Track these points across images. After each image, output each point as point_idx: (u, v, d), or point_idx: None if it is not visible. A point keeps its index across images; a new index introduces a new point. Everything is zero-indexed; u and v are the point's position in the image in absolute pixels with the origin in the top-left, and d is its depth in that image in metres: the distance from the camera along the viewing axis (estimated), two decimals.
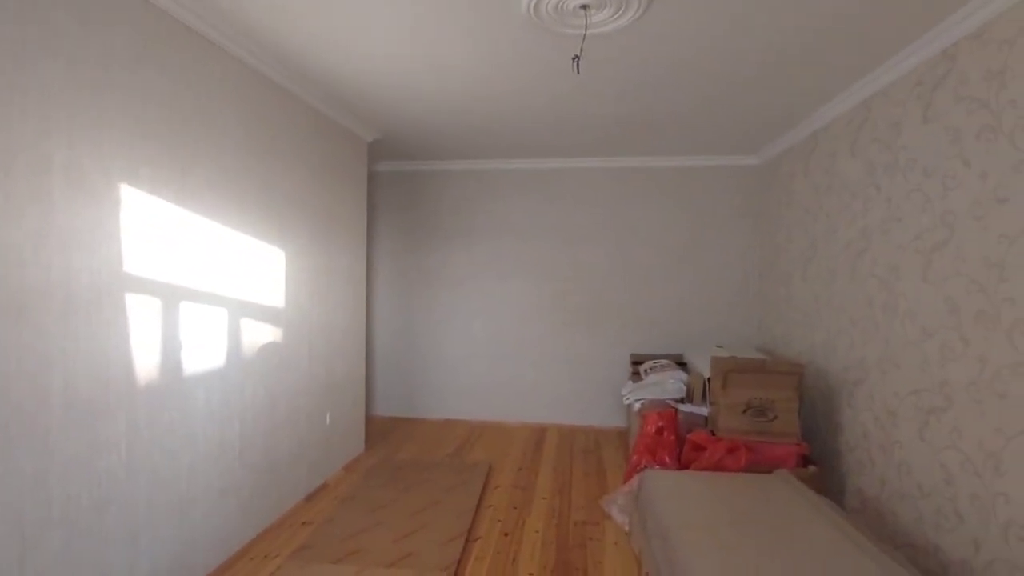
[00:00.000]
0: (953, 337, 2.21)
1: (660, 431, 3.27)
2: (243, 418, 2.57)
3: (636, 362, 4.30)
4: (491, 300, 4.78)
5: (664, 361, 4.04)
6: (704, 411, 3.40)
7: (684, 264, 4.56)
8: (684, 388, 3.51)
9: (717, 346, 4.12)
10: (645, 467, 3.11)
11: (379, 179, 4.93)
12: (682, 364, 4.15)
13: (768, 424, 3.04)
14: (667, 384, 3.54)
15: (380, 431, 4.53)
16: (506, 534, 2.78)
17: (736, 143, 4.14)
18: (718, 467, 2.92)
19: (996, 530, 1.96)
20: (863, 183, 2.89)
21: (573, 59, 2.23)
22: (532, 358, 4.73)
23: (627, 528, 2.82)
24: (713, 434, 3.17)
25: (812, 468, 2.94)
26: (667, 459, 3.14)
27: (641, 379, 4.01)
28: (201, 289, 2.28)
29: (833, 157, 3.23)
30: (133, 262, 1.92)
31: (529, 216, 4.74)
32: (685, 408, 3.42)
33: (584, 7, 2.06)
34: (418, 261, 4.87)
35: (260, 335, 2.70)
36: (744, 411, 3.06)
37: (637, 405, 3.47)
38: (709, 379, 3.37)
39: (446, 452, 4.04)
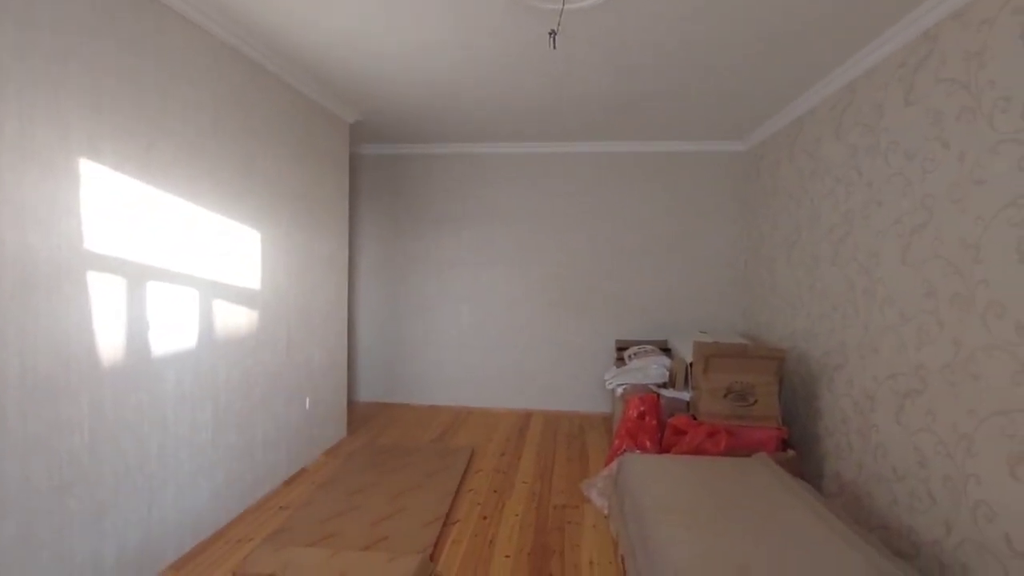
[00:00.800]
0: (930, 320, 2.20)
1: (642, 416, 3.27)
2: (216, 401, 2.53)
3: (621, 348, 4.30)
4: (478, 286, 4.75)
5: (648, 347, 4.03)
6: (686, 396, 3.40)
7: (671, 250, 4.54)
8: (667, 373, 3.51)
9: (701, 332, 4.12)
10: (626, 451, 3.11)
11: (363, 162, 4.86)
12: (666, 350, 4.15)
13: (748, 408, 3.04)
14: (650, 369, 3.53)
15: (363, 416, 4.51)
16: (485, 517, 2.77)
17: (722, 128, 4.11)
18: (698, 451, 2.92)
19: (966, 512, 1.97)
20: (846, 166, 2.87)
21: (550, 34, 2.18)
22: (518, 344, 4.72)
23: (606, 512, 2.82)
24: (694, 418, 3.17)
25: (791, 452, 2.95)
26: (648, 443, 3.14)
27: (625, 364, 4.00)
28: (171, 269, 2.23)
29: (818, 142, 3.21)
30: (95, 239, 1.86)
31: (517, 201, 4.69)
32: (667, 393, 3.41)
33: None
34: (404, 246, 4.82)
35: (235, 317, 2.65)
36: (725, 395, 3.06)
37: (620, 390, 3.46)
38: (691, 364, 3.36)
39: (429, 437, 4.02)
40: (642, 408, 3.27)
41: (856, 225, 2.77)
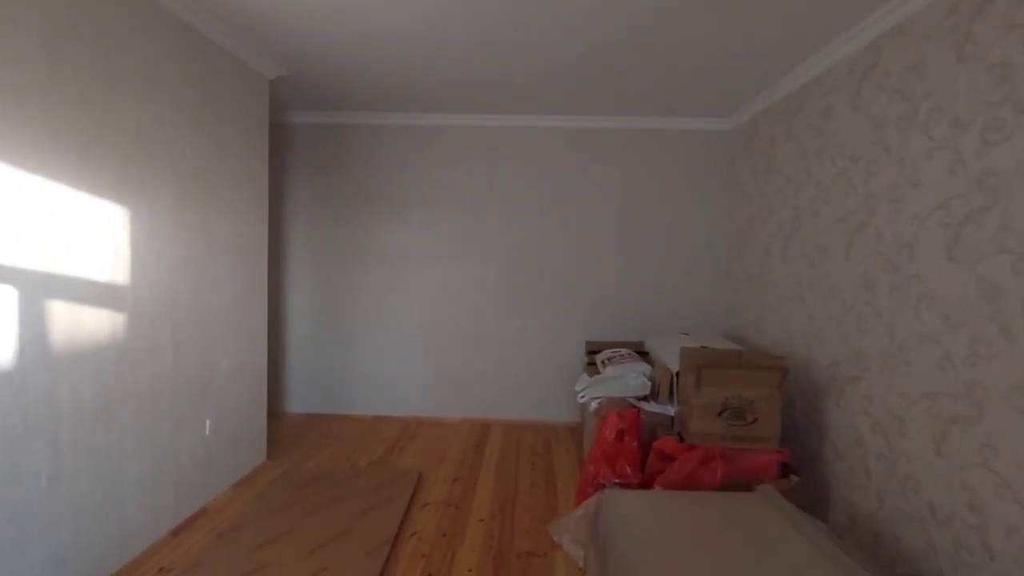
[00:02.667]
0: (990, 330, 1.75)
1: (620, 436, 2.74)
2: (55, 436, 1.84)
3: (592, 351, 3.77)
4: (428, 279, 4.12)
5: (623, 351, 3.52)
6: (671, 410, 2.91)
7: (646, 240, 4.04)
8: (648, 384, 2.99)
9: (683, 333, 3.64)
10: (602, 481, 2.58)
11: (293, 133, 4.13)
12: (643, 353, 3.65)
13: (747, 428, 2.56)
14: (628, 379, 3.02)
15: (292, 433, 3.82)
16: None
17: (705, 103, 3.62)
18: (690, 481, 2.41)
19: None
20: (868, 141, 2.41)
21: None
22: (475, 345, 4.13)
23: (581, 563, 2.29)
24: (682, 439, 2.68)
25: (794, 479, 2.49)
26: (628, 469, 2.61)
27: (598, 371, 3.48)
28: None
29: (827, 114, 2.74)
30: None
31: (473, 183, 4.08)
32: (650, 408, 2.91)
33: None
34: (342, 233, 4.13)
35: (86, 322, 1.95)
36: (720, 413, 2.57)
37: (594, 404, 2.93)
38: (678, 374, 2.86)
39: (369, 458, 3.39)
40: (621, 426, 2.75)
41: (880, 212, 2.31)
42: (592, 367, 3.63)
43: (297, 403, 4.22)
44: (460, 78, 3.26)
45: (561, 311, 4.08)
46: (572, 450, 3.60)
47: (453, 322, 4.12)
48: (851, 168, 2.53)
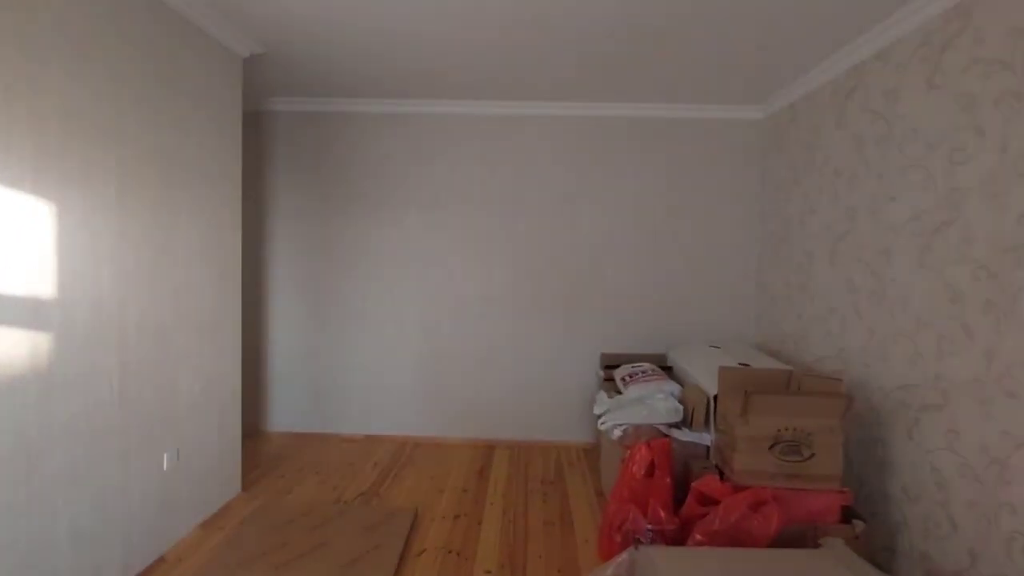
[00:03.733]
0: None
1: (650, 470, 2.35)
2: None
3: (609, 365, 3.37)
4: (425, 284, 3.72)
5: (645, 366, 3.12)
6: (707, 440, 2.51)
7: (669, 241, 3.64)
8: (680, 408, 2.59)
9: (712, 346, 3.24)
10: (631, 527, 2.19)
11: (275, 122, 3.72)
12: (666, 368, 3.26)
13: (802, 465, 2.17)
14: (656, 403, 2.62)
15: (274, 456, 3.42)
16: None
17: (737, 87, 3.22)
18: (738, 530, 2.02)
19: None
20: (953, 125, 2.01)
21: None
22: (477, 358, 3.73)
23: None
24: (723, 477, 2.29)
25: (859, 524, 2.10)
26: (662, 513, 2.22)
27: (616, 389, 3.08)
28: None
29: (893, 96, 2.34)
30: None
31: (477, 178, 3.67)
32: (682, 436, 2.51)
33: None
34: (330, 233, 3.73)
35: None
36: (771, 447, 2.18)
37: (617, 432, 2.53)
38: (715, 397, 2.47)
39: (359, 488, 3.00)
40: (651, 459, 2.36)
41: (970, 209, 1.92)
42: (610, 383, 3.24)
43: (281, 421, 3.81)
44: (462, 60, 2.85)
45: (573, 320, 3.68)
46: (588, 477, 3.21)
47: (453, 332, 3.72)
48: (928, 158, 2.13)
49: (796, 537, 2.04)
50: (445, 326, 3.72)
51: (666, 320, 3.64)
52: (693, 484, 2.22)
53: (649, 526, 2.18)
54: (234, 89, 2.72)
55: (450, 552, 2.38)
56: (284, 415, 3.81)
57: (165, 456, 2.28)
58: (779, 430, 2.18)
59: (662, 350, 3.58)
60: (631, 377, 3.00)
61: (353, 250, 3.73)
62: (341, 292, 3.75)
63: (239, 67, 2.76)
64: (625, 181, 3.63)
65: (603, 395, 3.03)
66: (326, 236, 3.74)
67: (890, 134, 2.35)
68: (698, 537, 2.05)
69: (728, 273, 3.63)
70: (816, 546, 1.92)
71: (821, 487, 2.17)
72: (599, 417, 2.81)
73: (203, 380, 2.50)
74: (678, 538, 2.16)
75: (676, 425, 2.57)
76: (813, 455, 2.17)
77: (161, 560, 2.25)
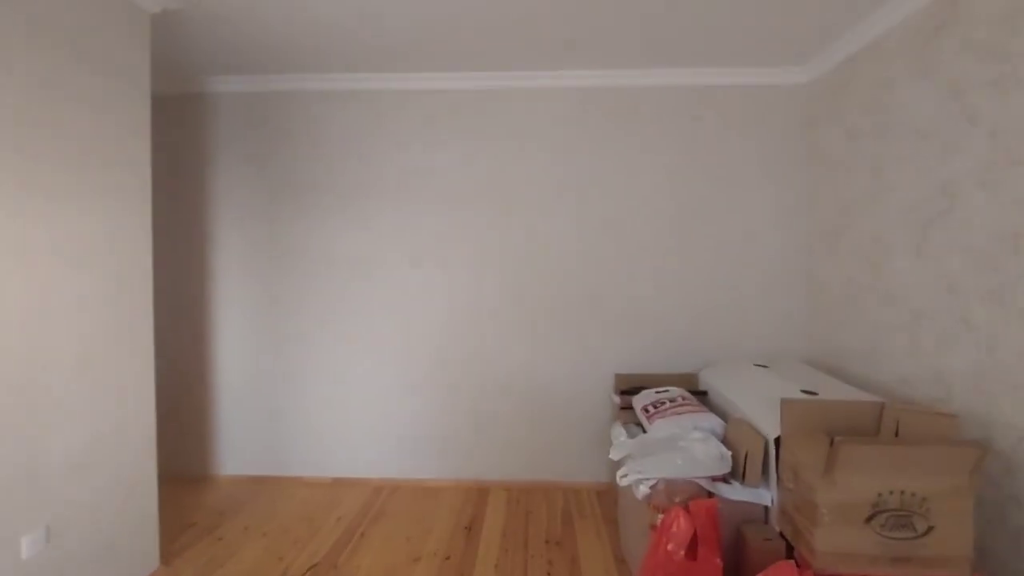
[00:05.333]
0: None
1: (692, 547, 1.70)
2: None
3: (627, 390, 2.72)
4: (402, 297, 3.09)
5: (673, 392, 2.47)
6: (767, 497, 1.85)
7: (696, 237, 2.99)
8: (725, 454, 1.93)
9: (757, 365, 2.58)
10: None
11: (217, 105, 3.13)
12: (697, 393, 2.60)
13: (916, 543, 1.51)
14: (693, 445, 1.96)
15: (218, 509, 2.80)
16: None
17: (775, 46, 2.59)
18: None
19: None
20: None
21: None
22: (467, 383, 3.08)
23: None
24: (795, 558, 1.63)
25: None
26: None
27: (638, 424, 2.43)
28: None
29: (1008, 23, 1.69)
30: None
31: (457, 168, 3.05)
32: (732, 494, 1.85)
33: None
34: (290, 240, 3.12)
35: None
36: (870, 518, 1.52)
37: (644, 488, 1.87)
38: (777, 441, 1.81)
39: (312, 558, 2.36)
40: (692, 531, 1.71)
41: None
42: (627, 413, 2.59)
43: (233, 463, 3.19)
44: (439, 13, 2.23)
45: (581, 335, 3.03)
46: (603, 532, 2.55)
47: (437, 353, 3.09)
48: None
49: None
50: (426, 346, 3.09)
51: (695, 333, 2.98)
52: (764, 575, 1.55)
53: None
54: (140, 51, 2.12)
55: None
56: (236, 456, 3.18)
57: (25, 540, 1.66)
58: (880, 494, 1.52)
59: (691, 369, 2.93)
60: (656, 407, 2.35)
61: (315, 258, 3.11)
62: (302, 308, 3.13)
63: (146, 24, 2.16)
64: (640, 166, 2.99)
65: (620, 430, 2.37)
66: (283, 242, 3.12)
67: (1007, 74, 1.70)
68: None
69: (769, 272, 2.97)
70: None
71: (943, 573, 1.50)
72: (618, 464, 2.14)
73: (89, 431, 1.88)
74: None
75: (723, 478, 1.90)
76: (931, 529, 1.50)
77: None
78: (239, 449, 3.18)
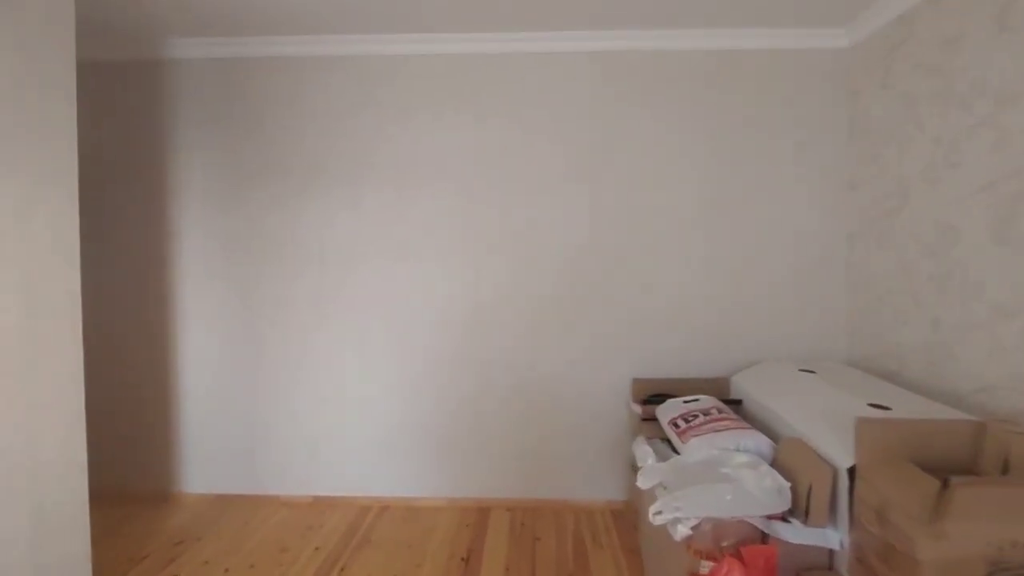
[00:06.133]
0: None
1: None
2: None
3: (650, 398, 2.37)
4: (393, 292, 2.72)
5: (705, 401, 2.13)
6: (835, 540, 1.51)
7: (721, 223, 2.64)
8: (783, 486, 1.58)
9: (803, 370, 2.23)
10: None
11: (180, 73, 2.74)
12: (732, 402, 2.26)
13: None
14: (741, 473, 1.61)
15: (178, 534, 2.44)
16: None
17: (815, 4, 2.24)
18: None
19: None
20: None
21: None
22: (465, 387, 2.73)
23: None
24: None
25: None
26: None
27: (664, 439, 2.09)
28: None
29: None
30: None
31: (457, 144, 2.68)
32: (792, 536, 1.50)
33: None
34: (262, 227, 2.74)
35: None
36: None
37: (685, 528, 1.52)
38: (851, 472, 1.47)
39: None
40: None
41: None
42: (651, 425, 2.24)
43: (200, 479, 2.82)
44: None
45: (593, 333, 2.68)
46: (624, 564, 2.21)
47: (432, 353, 2.73)
48: None
49: None
50: (420, 345, 2.73)
51: (722, 331, 2.63)
52: None
53: None
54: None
55: None
56: (204, 472, 2.82)
57: None
58: (1001, 548, 1.17)
59: (719, 373, 2.58)
60: (687, 421, 2.00)
61: (292, 248, 2.74)
62: (278, 304, 2.76)
63: None
64: (659, 143, 2.63)
65: (645, 448, 2.02)
66: (255, 230, 2.75)
67: None
68: None
69: (806, 262, 2.62)
70: None
71: None
72: (649, 496, 1.79)
73: None
74: None
75: (781, 516, 1.56)
76: None
77: None
78: (207, 464, 2.81)
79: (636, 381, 2.55)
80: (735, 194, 2.62)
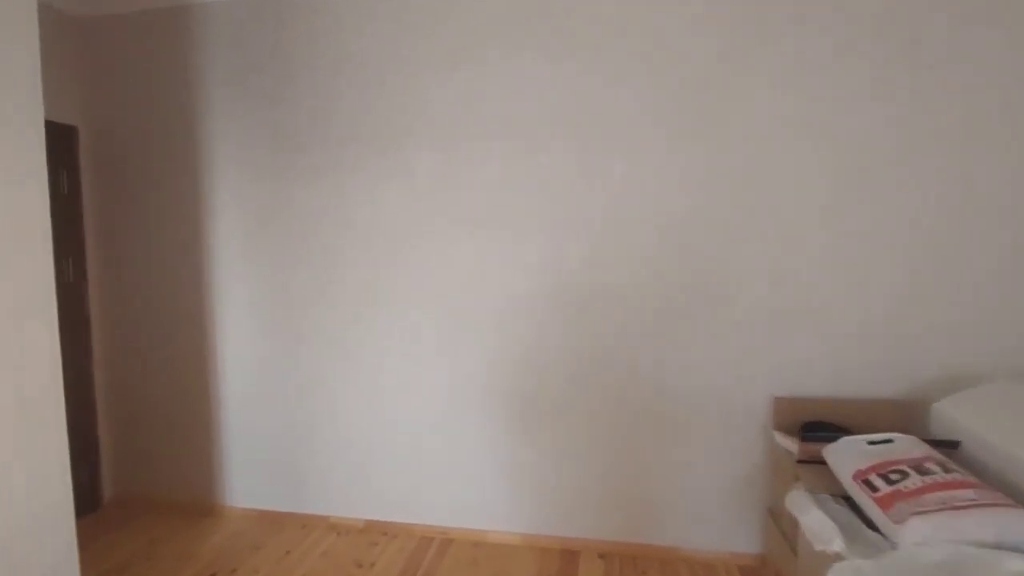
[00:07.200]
0: None
1: None
2: None
3: (805, 431, 1.69)
4: (455, 277, 2.19)
5: (903, 442, 1.43)
6: None
7: (898, 189, 1.84)
8: None
9: None
10: None
11: (209, 21, 2.30)
12: (940, 443, 1.53)
13: None
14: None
15: (213, 558, 2.08)
16: None
17: None
18: None
19: None
20: None
21: None
22: (545, 398, 2.16)
23: None
24: None
25: None
26: None
27: (844, 500, 1.42)
28: None
29: None
30: None
31: (527, 92, 2.06)
32: None
33: None
34: (307, 202, 2.29)
35: None
36: None
37: None
38: None
39: None
40: None
41: None
42: (816, 472, 1.57)
43: (244, 493, 2.48)
44: None
45: (710, 334, 2.00)
46: None
47: (505, 352, 2.17)
48: None
49: None
50: (490, 344, 2.18)
51: (904, 333, 1.87)
52: None
53: None
54: None
55: None
56: (245, 484, 2.47)
57: None
58: None
59: (901, 392, 1.84)
60: (891, 481, 1.31)
61: (336, 228, 2.27)
62: (323, 295, 2.31)
63: None
64: (810, 78, 1.87)
65: (816, 514, 1.36)
66: (294, 208, 2.30)
67: None
68: None
69: (1018, 239, 1.80)
70: None
71: None
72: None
73: None
74: None
75: None
76: None
77: None
78: (248, 476, 2.46)
79: (779, 401, 1.87)
80: (916, 156, 1.81)
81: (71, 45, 2.38)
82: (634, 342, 2.05)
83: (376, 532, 2.31)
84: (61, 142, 2.35)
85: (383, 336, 2.27)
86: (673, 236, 1.99)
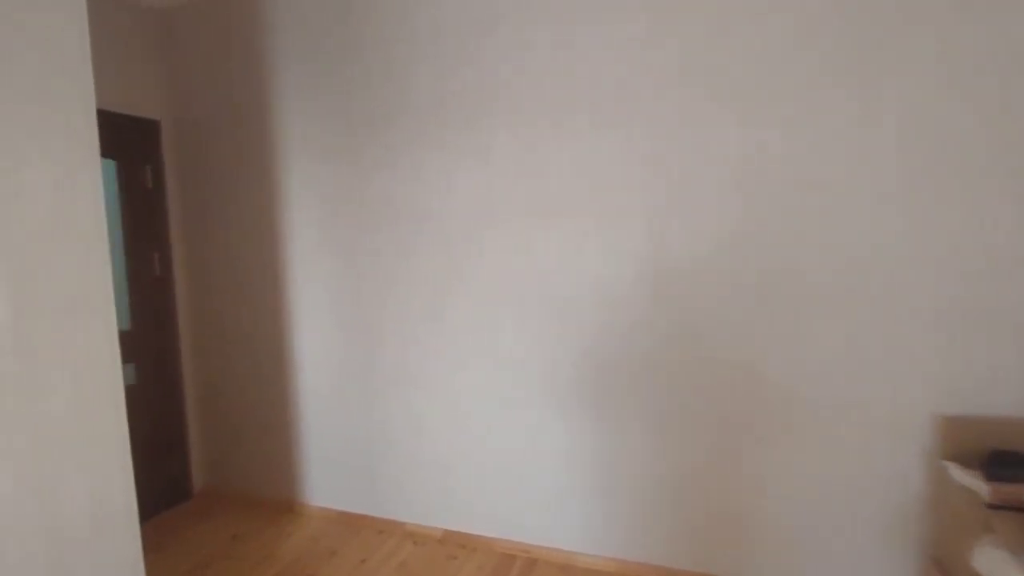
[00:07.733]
0: None
1: None
2: None
3: (994, 467, 1.30)
4: (535, 264, 1.95)
5: None
6: None
7: None
8: None
9: None
10: None
11: (281, 2, 2.21)
12: None
13: None
14: None
15: (288, 568, 2.01)
16: None
17: None
18: None
19: None
20: None
21: None
22: (647, 407, 1.88)
23: None
24: None
25: None
26: None
27: None
28: None
29: None
30: None
31: (624, 59, 1.77)
32: None
33: None
34: (376, 189, 2.14)
35: None
36: None
37: None
38: None
39: None
40: None
41: None
42: (1014, 522, 1.19)
43: (323, 492, 2.41)
44: None
45: (850, 332, 1.62)
46: None
47: (593, 356, 1.92)
48: None
49: None
50: (588, 341, 1.93)
51: None
52: None
53: None
54: None
55: None
56: (327, 484, 2.40)
57: None
58: None
59: None
60: None
61: (415, 213, 2.10)
62: (404, 287, 2.16)
63: None
64: (957, 44, 1.43)
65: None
66: (369, 194, 2.16)
67: None
68: None
69: None
70: None
71: None
72: None
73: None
74: None
75: None
76: None
77: None
78: (327, 474, 2.39)
79: (947, 421, 1.48)
80: None
81: (150, 38, 2.38)
82: (758, 342, 1.72)
83: (454, 544, 2.15)
84: (145, 137, 2.37)
85: (466, 328, 2.08)
86: (809, 212, 1.63)
